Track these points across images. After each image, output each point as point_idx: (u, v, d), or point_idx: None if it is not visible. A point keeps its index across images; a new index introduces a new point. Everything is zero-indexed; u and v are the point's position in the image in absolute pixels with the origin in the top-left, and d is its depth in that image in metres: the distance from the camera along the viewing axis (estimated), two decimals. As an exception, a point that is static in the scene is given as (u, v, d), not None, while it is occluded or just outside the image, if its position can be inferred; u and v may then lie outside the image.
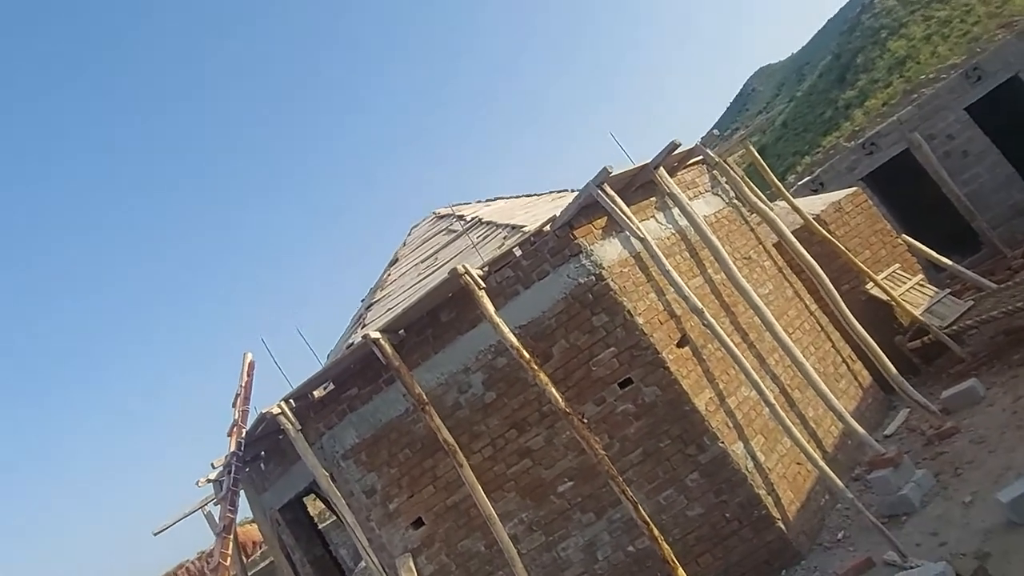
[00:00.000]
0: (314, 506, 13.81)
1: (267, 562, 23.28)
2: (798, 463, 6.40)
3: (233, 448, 6.58)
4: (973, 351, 7.70)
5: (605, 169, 5.77)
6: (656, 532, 5.43)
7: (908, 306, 7.74)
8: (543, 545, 6.15)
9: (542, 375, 5.64)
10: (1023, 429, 5.65)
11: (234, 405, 7.18)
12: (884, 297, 8.14)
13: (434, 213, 9.59)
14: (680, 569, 5.38)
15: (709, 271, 7.02)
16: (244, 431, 6.75)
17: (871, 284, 8.17)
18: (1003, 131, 11.13)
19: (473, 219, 8.30)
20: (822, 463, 5.59)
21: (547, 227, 6.30)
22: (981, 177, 11.22)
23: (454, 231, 8.43)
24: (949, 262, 8.72)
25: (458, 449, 5.82)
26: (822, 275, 7.27)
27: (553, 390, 5.60)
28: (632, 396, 6.08)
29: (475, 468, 6.12)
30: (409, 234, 9.55)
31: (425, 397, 5.93)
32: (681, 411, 6.00)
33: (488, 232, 7.60)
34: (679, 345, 6.27)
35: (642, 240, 5.92)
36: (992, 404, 6.41)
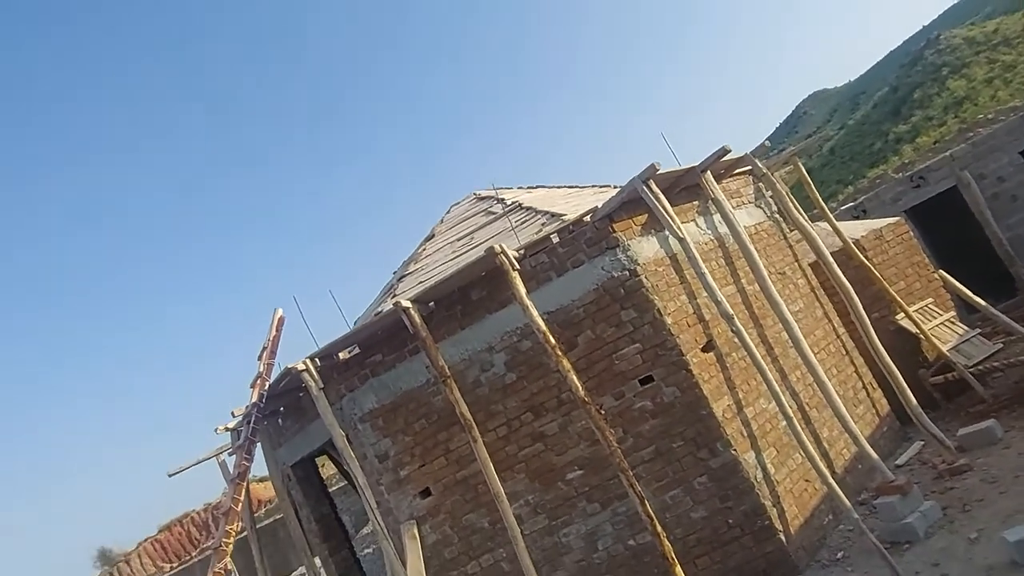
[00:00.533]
0: (324, 470, 14.08)
1: (271, 520, 23.70)
2: (807, 480, 6.44)
3: (255, 400, 6.77)
4: (996, 393, 7.63)
5: (652, 166, 5.84)
6: (659, 528, 5.51)
7: (936, 341, 7.70)
8: (546, 529, 6.27)
9: (565, 362, 5.74)
10: (1040, 477, 5.62)
11: (259, 358, 7.38)
12: (913, 329, 8.11)
13: (474, 194, 9.72)
14: (678, 567, 5.46)
15: (743, 281, 7.06)
16: (267, 384, 6.93)
17: (902, 315, 8.14)
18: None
19: (513, 203, 8.41)
20: (831, 481, 5.62)
21: (587, 218, 6.38)
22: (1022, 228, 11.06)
23: (493, 213, 8.55)
24: (983, 303, 8.63)
25: (474, 424, 5.95)
26: (855, 299, 7.27)
27: (574, 377, 5.70)
28: (651, 394, 6.16)
29: (488, 446, 6.24)
30: (448, 212, 9.69)
31: (447, 370, 6.05)
32: (698, 414, 6.07)
33: (527, 217, 7.70)
34: (704, 349, 6.33)
35: (681, 240, 5.98)
36: (1008, 447, 6.39)
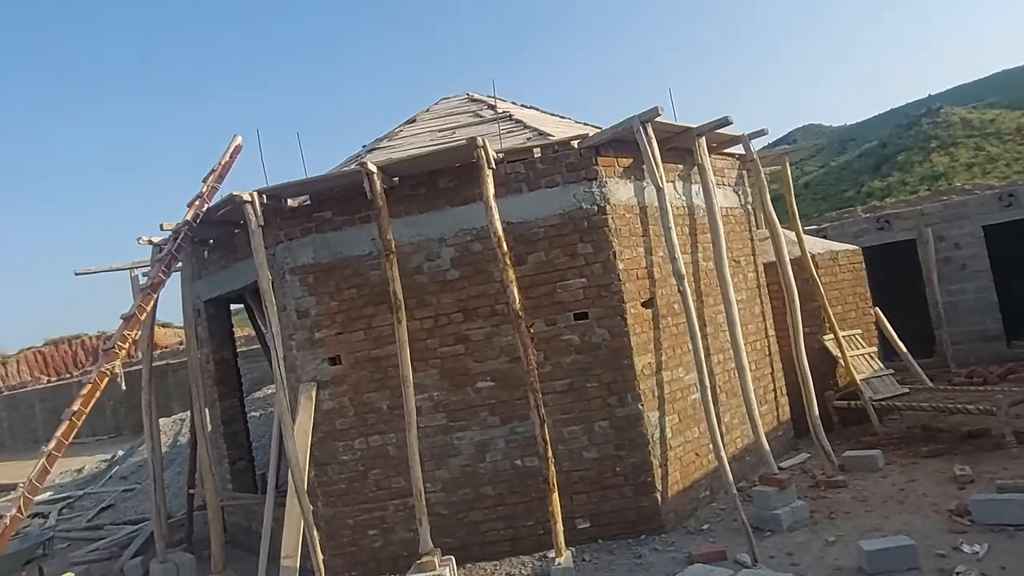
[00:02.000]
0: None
1: (162, 363, 23.33)
2: (696, 454, 6.67)
3: (189, 218, 6.46)
4: (888, 431, 8.04)
5: (655, 108, 5.74)
6: (550, 454, 5.60)
7: (853, 369, 8.00)
8: (442, 427, 6.29)
9: (511, 272, 5.68)
10: (904, 504, 5.96)
11: (204, 180, 7.03)
12: (835, 352, 8.41)
13: (467, 94, 9.40)
14: (555, 494, 5.58)
15: (699, 255, 7.12)
16: (205, 206, 6.63)
17: (830, 336, 8.41)
18: (1005, 263, 11.41)
19: (504, 112, 8.18)
20: (724, 458, 5.80)
21: (575, 143, 6.26)
22: (966, 294, 11.53)
23: (481, 116, 8.30)
24: (904, 348, 9.01)
25: (403, 306, 5.85)
26: (797, 306, 7.43)
27: (515, 290, 5.65)
28: (582, 330, 6.19)
29: (411, 333, 6.14)
30: (436, 103, 9.35)
31: (393, 245, 5.90)
32: (619, 362, 6.15)
33: (514, 128, 7.51)
34: (644, 305, 6.38)
35: (659, 190, 5.93)
36: (886, 476, 6.75)
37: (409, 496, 6.26)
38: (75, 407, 5.52)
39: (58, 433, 5.40)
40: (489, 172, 5.75)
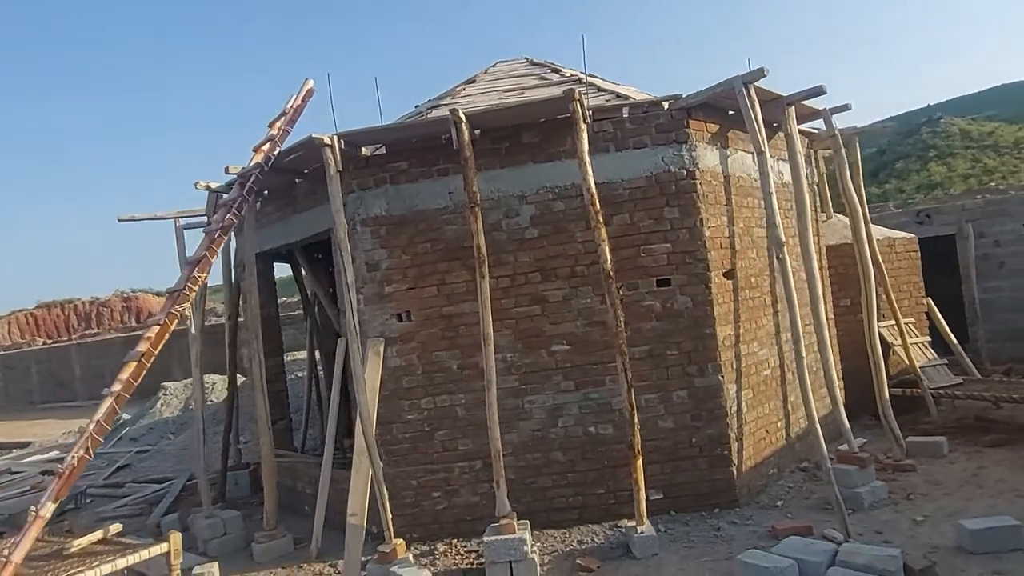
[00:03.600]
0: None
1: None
2: (767, 431, 6.54)
3: (261, 160, 6.20)
4: (943, 421, 7.96)
5: (761, 69, 5.55)
6: (636, 419, 5.44)
7: (913, 357, 7.91)
8: (513, 390, 6.11)
9: (603, 231, 5.49)
10: (983, 489, 5.88)
11: (271, 125, 6.76)
12: (890, 339, 8.31)
13: (526, 58, 9.15)
14: (640, 460, 5.42)
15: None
16: (277, 149, 6.37)
17: (885, 324, 8.30)
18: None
19: (572, 76, 7.97)
20: (819, 431, 5.63)
21: (665, 103, 6.07)
22: (1002, 291, 11.48)
23: (547, 79, 8.08)
24: (955, 340, 8.94)
25: (486, 260, 5.63)
26: (873, 290, 7.28)
27: (607, 249, 5.46)
28: (664, 296, 6.03)
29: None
30: (493, 65, 9.10)
31: (479, 198, 5.68)
32: (701, 332, 6.00)
33: (588, 90, 7.29)
34: (726, 275, 6.23)
35: (761, 154, 5.75)
36: (952, 463, 6.66)
37: (476, 459, 6.12)
38: (143, 348, 5.27)
39: (125, 375, 5.16)
40: (584, 127, 5.54)
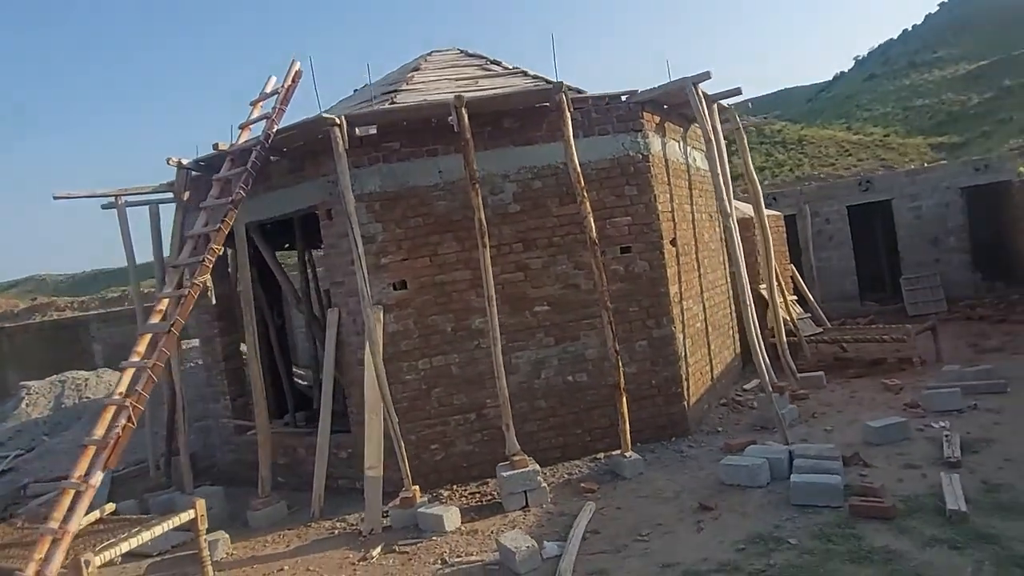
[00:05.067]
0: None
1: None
2: (701, 372, 7.86)
3: (262, 137, 6.34)
4: (814, 361, 9.83)
5: (707, 72, 6.74)
6: (620, 364, 6.44)
7: (791, 312, 9.67)
8: (502, 348, 6.83)
9: (587, 204, 6.40)
10: (863, 405, 7.60)
11: (253, 104, 6.86)
12: (767, 298, 10.05)
13: (458, 49, 9.77)
14: (625, 397, 6.43)
15: (696, 206, 8.30)
16: (275, 127, 6.52)
17: (764, 285, 10.02)
18: (863, 236, 14.00)
19: (515, 68, 8.76)
20: (762, 362, 6.97)
21: (623, 96, 7.10)
22: (831, 261, 13.98)
23: (490, 70, 8.79)
24: (812, 298, 10.96)
25: (487, 232, 6.32)
26: (771, 255, 8.80)
27: (592, 220, 6.39)
28: (626, 262, 7.08)
29: (476, 261, 6.66)
30: (430, 54, 9.60)
31: (477, 176, 6.35)
32: (657, 291, 7.13)
33: (536, 82, 8.14)
34: (671, 243, 7.41)
35: (709, 142, 6.95)
36: (832, 391, 8.42)
37: (470, 412, 6.83)
38: (172, 320, 5.36)
39: (161, 344, 5.24)
40: (568, 115, 6.41)
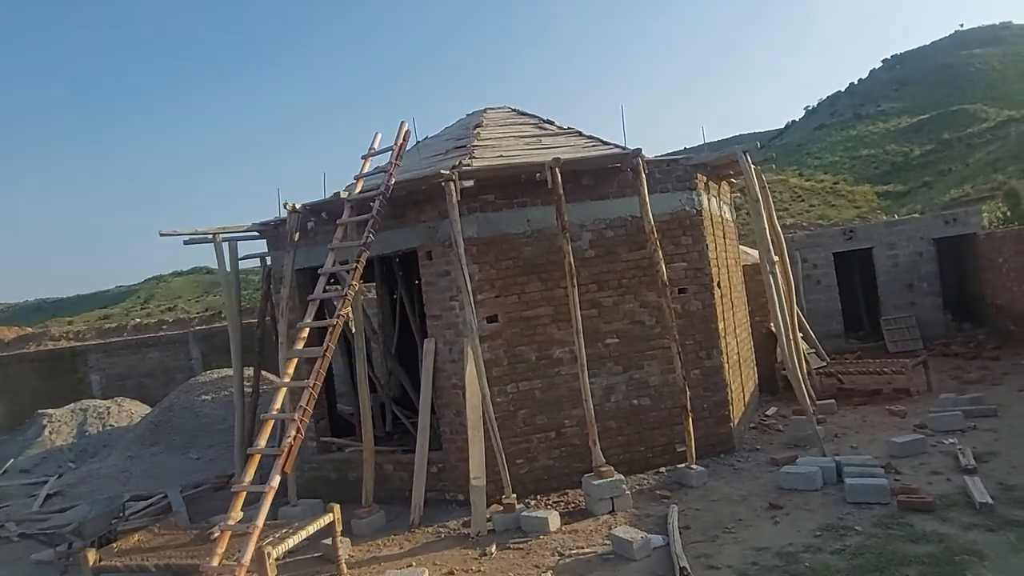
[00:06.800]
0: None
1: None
2: (739, 398, 8.99)
3: (383, 191, 7.27)
4: (822, 390, 11.07)
5: (756, 143, 8.02)
6: (687, 389, 7.52)
7: (801, 346, 10.93)
8: (578, 375, 7.87)
9: (659, 252, 7.54)
10: (876, 428, 8.82)
11: (364, 158, 7.88)
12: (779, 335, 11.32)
13: (509, 107, 10.94)
14: (691, 417, 7.50)
15: (726, 254, 9.53)
16: (392, 180, 7.45)
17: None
18: (847, 281, 15.51)
19: (569, 127, 9.95)
20: (803, 385, 8.14)
21: (680, 160, 8.33)
22: (820, 303, 15.43)
23: (546, 129, 9.96)
24: (814, 336, 12.28)
25: (576, 273, 7.38)
26: (794, 299, 10.05)
27: (663, 266, 7.53)
28: (683, 301, 8.22)
29: (557, 299, 7.73)
30: (484, 112, 10.71)
31: (567, 226, 7.42)
32: (708, 326, 8.28)
33: (594, 142, 9.33)
34: (718, 285, 8.60)
35: (756, 202, 8.19)
36: (845, 416, 9.64)
37: (550, 431, 7.81)
38: (325, 345, 6.25)
39: (317, 367, 6.11)
40: (644, 177, 7.58)
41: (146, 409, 16.05)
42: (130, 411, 16.01)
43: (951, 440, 7.67)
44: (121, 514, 8.14)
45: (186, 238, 8.65)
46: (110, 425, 15.17)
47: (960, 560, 4.85)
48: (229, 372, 15.05)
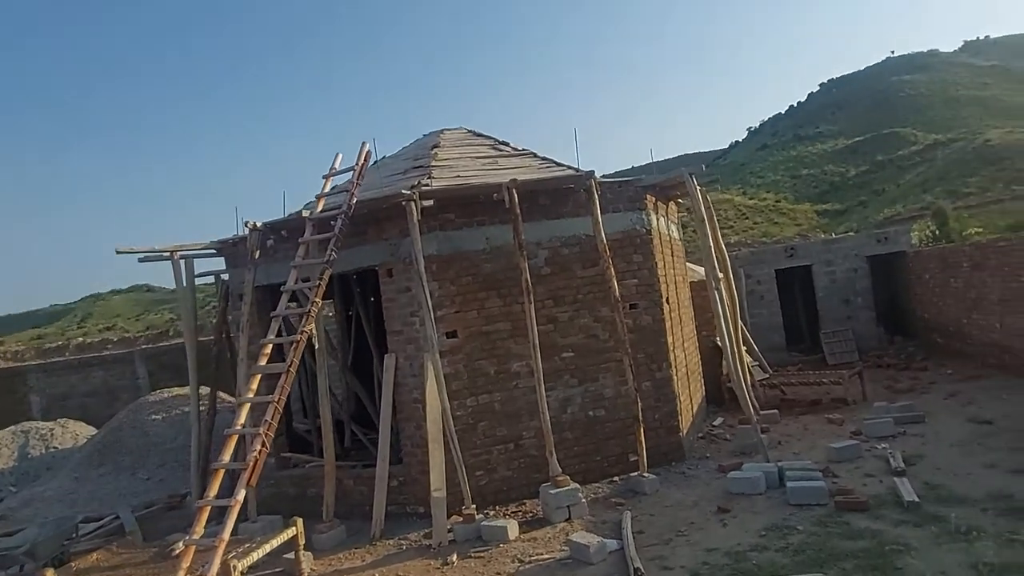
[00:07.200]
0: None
1: None
2: (688, 409, 9.39)
3: (345, 208, 7.42)
4: (765, 401, 11.59)
5: (701, 166, 8.47)
6: (639, 400, 7.86)
7: (745, 360, 11.44)
8: (535, 388, 8.13)
9: (612, 269, 7.89)
10: (816, 435, 9.31)
11: (325, 177, 8.01)
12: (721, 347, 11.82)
13: (465, 128, 11.21)
14: (642, 427, 7.83)
15: (674, 271, 9.96)
16: (354, 199, 7.60)
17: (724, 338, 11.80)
18: (788, 297, 16.22)
19: (524, 148, 10.28)
20: (746, 395, 8.55)
21: (631, 181, 8.73)
22: (762, 317, 16.08)
23: (500, 149, 10.27)
24: (757, 350, 12.83)
25: (532, 290, 7.66)
26: (737, 313, 10.54)
27: (615, 283, 7.88)
28: (634, 316, 8.59)
29: (515, 314, 8.00)
30: (441, 133, 10.96)
31: (524, 244, 7.70)
32: (658, 340, 8.66)
33: (548, 163, 9.67)
34: (667, 301, 9.00)
35: (702, 222, 8.62)
36: (787, 425, 10.14)
37: (509, 442, 8.04)
38: (289, 361, 6.35)
39: (282, 382, 6.20)
40: (596, 198, 7.93)
41: (91, 430, 15.63)
42: (75, 432, 15.56)
43: (883, 445, 8.19)
44: (74, 535, 8.00)
45: (142, 255, 8.61)
46: (54, 447, 14.72)
47: (890, 553, 5.25)
48: (180, 391, 14.85)
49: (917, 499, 6.20)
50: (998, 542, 5.20)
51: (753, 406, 10.05)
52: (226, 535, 5.56)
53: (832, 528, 5.95)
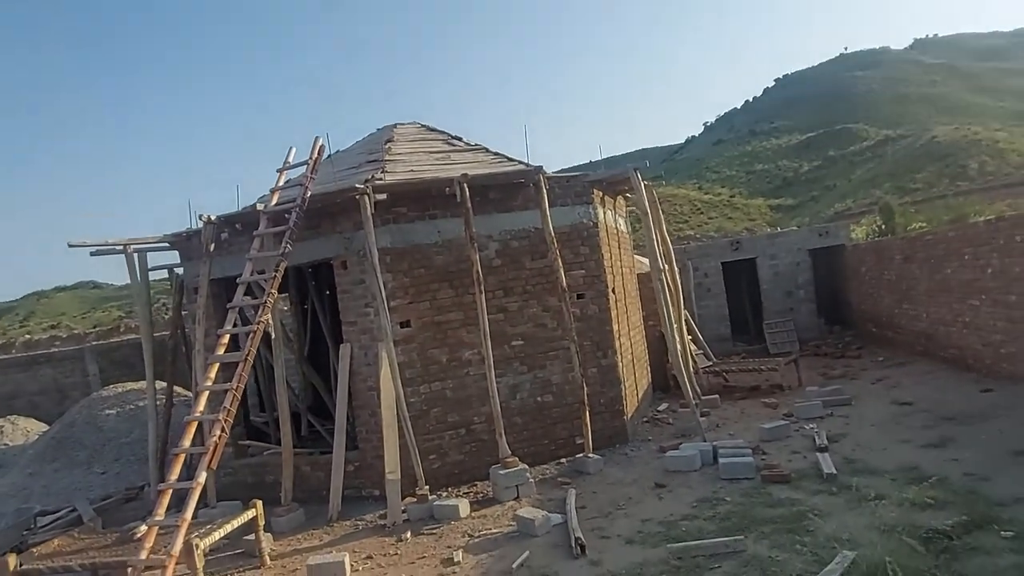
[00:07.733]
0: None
1: None
2: (633, 394, 9.86)
3: (299, 202, 7.63)
4: (708, 387, 12.16)
5: (645, 162, 8.91)
6: (585, 385, 8.28)
7: (691, 349, 11.99)
8: (485, 375, 8.49)
9: (559, 260, 8.29)
10: (752, 417, 9.88)
11: (279, 171, 8.20)
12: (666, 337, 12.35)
13: (418, 123, 11.47)
14: (588, 411, 8.26)
15: (622, 262, 10.42)
16: (308, 193, 7.82)
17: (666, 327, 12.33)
18: (735, 289, 16.89)
19: (476, 144, 10.60)
20: (687, 383, 9.03)
21: (579, 176, 9.14)
22: (709, 308, 16.72)
23: (453, 144, 10.57)
24: (702, 338, 13.41)
25: (483, 281, 8.00)
26: (681, 303, 11.05)
27: (563, 274, 8.28)
28: (581, 305, 9.00)
29: (466, 304, 8.34)
30: (395, 128, 11.18)
31: (475, 237, 8.04)
32: (604, 328, 9.10)
33: (499, 159, 10.02)
34: (613, 291, 9.44)
35: (645, 215, 9.07)
36: (727, 409, 10.70)
37: (461, 427, 8.40)
38: (246, 351, 6.57)
39: (239, 370, 6.42)
40: (545, 191, 8.31)
41: (43, 427, 15.48)
42: (25, 429, 15.41)
43: (811, 426, 8.77)
44: (32, 526, 8.08)
45: (94, 249, 8.69)
46: (4, 444, 14.57)
47: (805, 517, 5.76)
48: (134, 385, 14.81)
49: (835, 471, 6.74)
50: (900, 506, 5.74)
51: (695, 391, 10.61)
52: (188, 515, 5.79)
53: (756, 498, 6.45)
